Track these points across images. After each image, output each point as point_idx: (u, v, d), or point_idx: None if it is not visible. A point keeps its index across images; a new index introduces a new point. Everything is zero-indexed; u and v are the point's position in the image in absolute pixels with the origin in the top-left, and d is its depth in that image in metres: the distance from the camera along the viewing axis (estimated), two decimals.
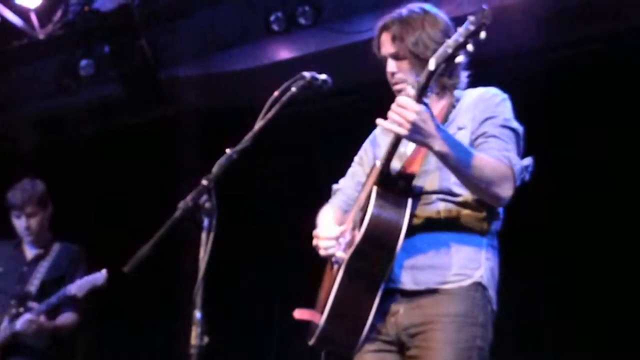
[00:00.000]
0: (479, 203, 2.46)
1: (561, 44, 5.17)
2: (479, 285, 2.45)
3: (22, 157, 6.59)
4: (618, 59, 4.94)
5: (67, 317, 4.26)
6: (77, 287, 4.09)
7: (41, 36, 5.77)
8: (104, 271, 4.12)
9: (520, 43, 4.77)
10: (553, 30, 4.98)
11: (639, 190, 4.77)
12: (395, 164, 2.48)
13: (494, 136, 2.45)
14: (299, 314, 2.61)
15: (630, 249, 4.72)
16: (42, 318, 4.09)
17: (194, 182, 2.12)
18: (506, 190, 2.39)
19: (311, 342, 2.52)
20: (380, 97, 2.75)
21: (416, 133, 2.23)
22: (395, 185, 2.43)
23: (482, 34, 2.16)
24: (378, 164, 2.51)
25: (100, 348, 6.48)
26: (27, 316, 4.06)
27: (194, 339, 1.99)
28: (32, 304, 4.10)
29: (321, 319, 2.45)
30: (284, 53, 5.70)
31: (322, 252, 2.56)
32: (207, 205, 2.06)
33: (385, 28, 2.58)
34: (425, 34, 2.50)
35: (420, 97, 2.24)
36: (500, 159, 2.39)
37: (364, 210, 2.41)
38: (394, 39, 2.54)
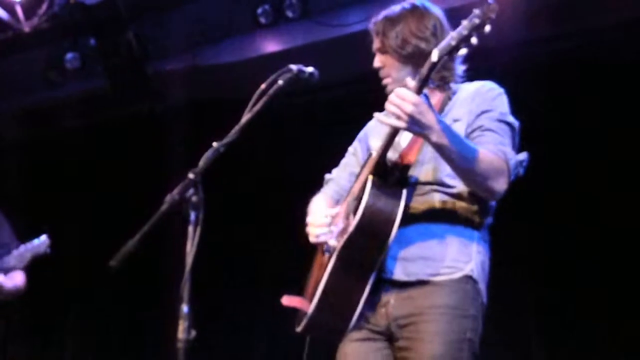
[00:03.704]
0: (473, 196, 2.47)
1: (547, 38, 5.19)
2: (469, 279, 2.46)
3: (7, 150, 6.54)
4: (605, 53, 4.96)
5: (19, 276, 3.86)
6: (16, 258, 3.74)
7: (26, 29, 5.73)
8: (44, 237, 3.78)
9: (506, 36, 4.77)
10: (539, 24, 5.00)
11: (632, 184, 4.78)
12: (391, 155, 2.49)
13: (490, 130, 2.46)
14: (287, 300, 2.61)
15: (629, 244, 4.73)
16: (2, 278, 3.72)
17: (182, 175, 2.12)
18: (501, 184, 2.40)
19: (299, 329, 2.53)
20: (369, 90, 2.76)
21: (414, 125, 2.23)
22: (390, 176, 2.44)
23: (487, 28, 2.17)
24: (374, 154, 2.51)
25: (89, 343, 6.47)
26: None
27: (181, 333, 1.98)
28: None
29: (310, 306, 2.46)
30: (271, 46, 5.69)
31: (312, 240, 2.57)
32: (194, 199, 2.05)
33: (374, 24, 2.62)
34: (406, 28, 2.53)
35: (420, 89, 2.25)
36: (496, 152, 2.40)
37: (358, 199, 2.41)
38: (377, 34, 2.59)
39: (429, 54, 2.24)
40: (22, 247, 3.78)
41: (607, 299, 4.71)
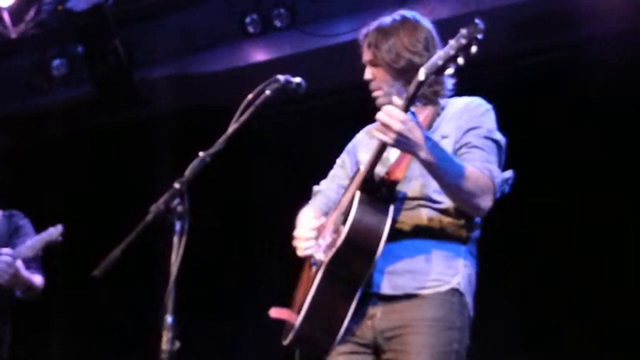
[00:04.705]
0: (459, 211, 2.47)
1: (529, 52, 5.23)
2: (456, 291, 2.46)
3: None
4: (584, 66, 5.01)
5: (37, 276, 3.87)
6: (28, 247, 3.73)
7: (13, 35, 5.71)
8: (59, 226, 3.80)
9: (489, 50, 4.81)
10: (522, 38, 5.06)
11: (622, 195, 4.81)
12: (379, 170, 2.49)
13: (477, 147, 2.46)
14: (275, 312, 2.61)
15: (615, 251, 4.75)
16: (19, 263, 3.71)
17: (168, 184, 2.11)
18: (486, 202, 2.41)
19: (286, 341, 2.52)
20: (356, 100, 2.76)
21: (402, 142, 2.24)
22: (378, 192, 2.45)
23: (474, 48, 2.17)
24: (362, 168, 2.52)
25: (74, 354, 6.43)
26: (3, 259, 3.66)
27: (165, 344, 1.96)
28: (4, 249, 3.71)
29: (297, 320, 2.45)
30: (259, 55, 5.70)
31: (300, 253, 2.56)
32: (179, 208, 2.04)
33: (365, 36, 2.61)
34: (399, 42, 2.52)
35: (408, 107, 2.26)
36: (482, 170, 2.40)
37: (346, 214, 2.41)
38: (369, 46, 2.58)
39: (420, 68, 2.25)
40: (37, 237, 3.79)
41: (593, 311, 4.74)
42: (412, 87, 2.25)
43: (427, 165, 2.30)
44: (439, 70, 2.21)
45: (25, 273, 3.79)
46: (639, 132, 4.78)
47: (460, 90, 2.61)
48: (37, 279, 3.91)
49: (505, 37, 5.00)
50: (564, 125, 4.93)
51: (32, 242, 3.78)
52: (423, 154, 2.26)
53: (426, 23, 2.59)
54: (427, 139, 2.28)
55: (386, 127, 2.22)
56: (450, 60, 2.19)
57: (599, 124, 4.81)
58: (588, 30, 4.98)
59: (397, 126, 2.21)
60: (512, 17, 4.96)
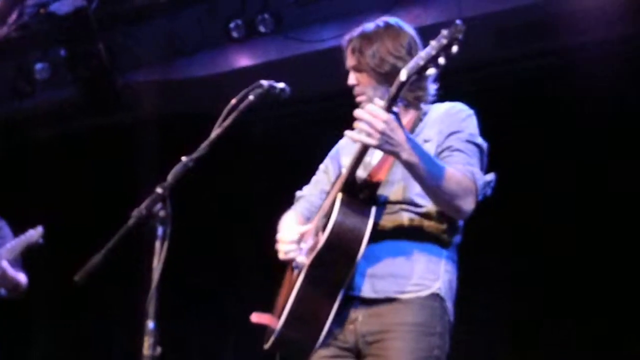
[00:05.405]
0: (441, 215, 2.48)
1: (512, 59, 5.27)
2: (437, 296, 2.47)
3: None
4: (567, 73, 5.05)
5: (21, 275, 3.93)
6: (7, 249, 3.77)
7: None
8: (39, 227, 3.82)
9: (475, 56, 4.84)
10: (504, 45, 5.09)
11: (597, 193, 4.85)
12: (360, 173, 2.50)
13: (459, 150, 2.47)
14: (257, 317, 2.60)
15: (605, 251, 4.79)
16: (5, 264, 3.76)
17: (151, 189, 2.10)
18: (468, 204, 2.41)
19: (267, 346, 2.52)
20: (341, 106, 2.76)
21: (385, 142, 2.24)
22: (360, 194, 2.45)
23: (454, 48, 2.18)
24: (344, 171, 2.51)
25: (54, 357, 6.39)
26: None
27: (146, 350, 1.96)
28: None
29: (279, 323, 2.45)
30: (244, 60, 5.70)
31: (281, 256, 2.56)
32: (162, 213, 2.04)
33: (349, 41, 2.62)
34: (383, 47, 2.53)
35: (389, 107, 2.25)
36: (464, 172, 2.41)
37: (327, 216, 2.41)
38: (353, 51, 2.58)
39: None
40: (15, 240, 3.81)
41: (575, 317, 4.77)
42: (393, 88, 2.25)
43: (408, 166, 2.30)
44: (420, 70, 2.21)
45: (11, 272, 3.81)
46: (621, 136, 4.83)
47: (443, 96, 2.63)
48: (22, 277, 3.93)
49: (487, 44, 5.03)
50: (546, 131, 4.96)
51: (12, 245, 3.80)
52: (405, 155, 2.26)
53: (409, 29, 2.61)
54: (409, 139, 2.28)
55: (370, 126, 2.22)
56: (432, 60, 2.20)
57: (581, 129, 4.85)
58: (571, 38, 5.02)
59: (380, 126, 2.21)
60: (495, 24, 5.00)
